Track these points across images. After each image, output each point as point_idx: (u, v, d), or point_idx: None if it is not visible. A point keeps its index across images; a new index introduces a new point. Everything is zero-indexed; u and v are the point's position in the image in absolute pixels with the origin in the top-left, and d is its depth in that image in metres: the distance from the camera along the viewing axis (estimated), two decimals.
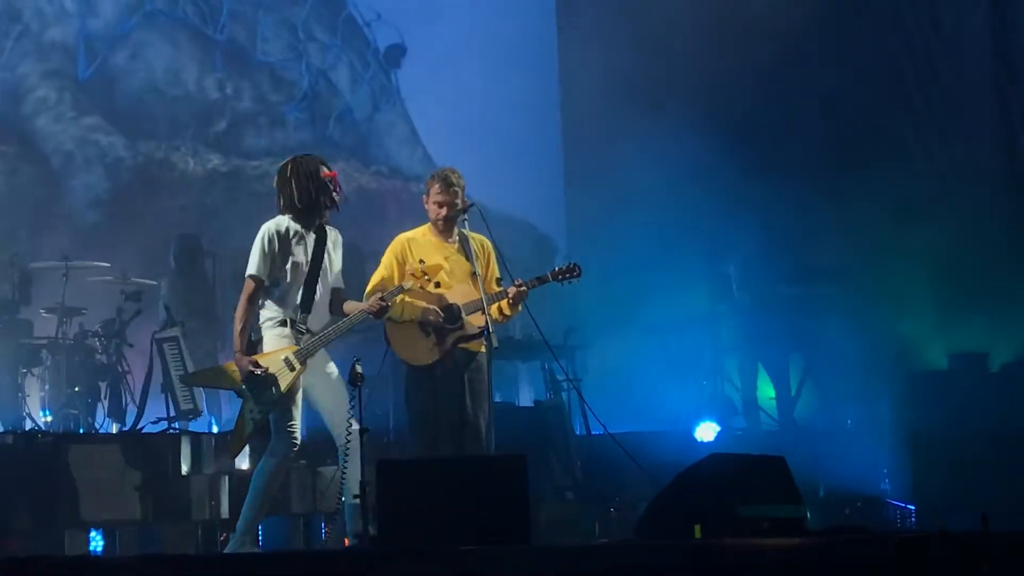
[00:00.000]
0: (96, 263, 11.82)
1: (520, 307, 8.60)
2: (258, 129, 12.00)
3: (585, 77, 15.91)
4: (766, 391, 13.34)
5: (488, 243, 8.74)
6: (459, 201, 8.52)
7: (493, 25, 14.67)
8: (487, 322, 8.22)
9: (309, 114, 12.31)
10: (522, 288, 8.47)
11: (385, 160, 12.30)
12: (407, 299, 8.40)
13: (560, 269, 8.69)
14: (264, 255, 7.88)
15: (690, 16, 14.28)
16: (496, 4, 14.66)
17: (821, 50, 14.28)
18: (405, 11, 13.00)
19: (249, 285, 7.89)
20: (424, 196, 8.66)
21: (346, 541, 8.48)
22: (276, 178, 8.03)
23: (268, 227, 7.97)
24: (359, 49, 12.57)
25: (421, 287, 8.29)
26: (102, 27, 11.74)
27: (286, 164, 8.03)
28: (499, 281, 8.68)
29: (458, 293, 8.49)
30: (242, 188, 11.61)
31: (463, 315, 8.41)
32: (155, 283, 12.11)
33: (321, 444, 8.80)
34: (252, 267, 7.90)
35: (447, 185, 8.52)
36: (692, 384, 13.23)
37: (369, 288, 8.54)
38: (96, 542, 9.49)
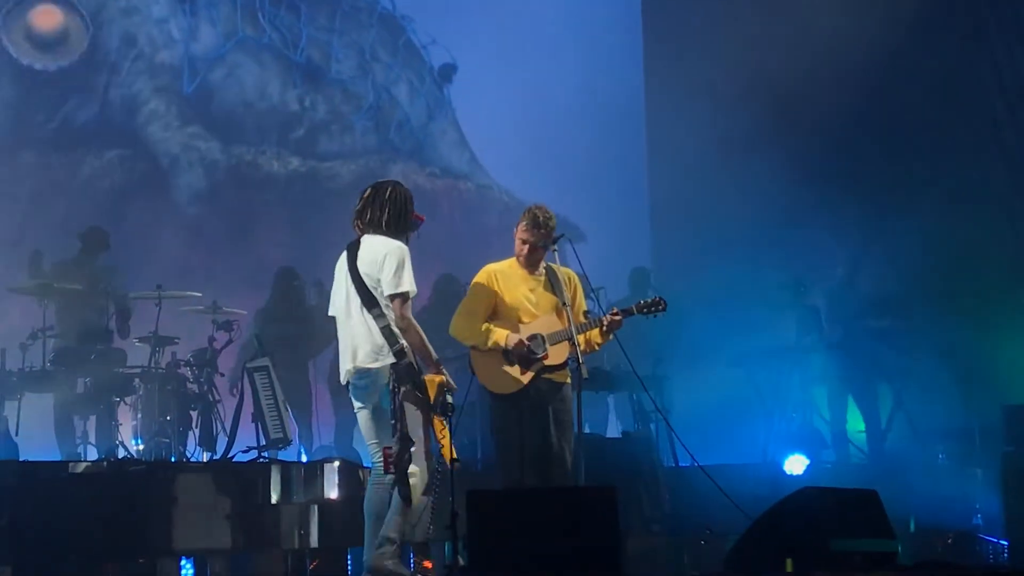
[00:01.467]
0: (188, 292, 11.97)
1: (611, 336, 8.61)
2: (331, 135, 13.99)
3: (671, 110, 15.93)
4: (856, 424, 13.21)
5: (575, 275, 8.75)
6: (545, 242, 8.53)
7: (576, 41, 15.26)
8: (577, 352, 8.22)
9: (374, 123, 14.18)
10: (616, 317, 8.48)
11: (438, 162, 14.10)
12: (493, 327, 8.43)
13: (645, 302, 8.68)
14: (410, 272, 7.75)
15: (777, 46, 14.24)
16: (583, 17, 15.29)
17: (907, 77, 14.16)
18: (458, 34, 14.64)
19: (402, 301, 7.69)
20: (515, 229, 8.67)
21: (428, 564, 8.48)
22: (371, 192, 7.89)
23: (401, 246, 7.78)
24: (416, 68, 14.50)
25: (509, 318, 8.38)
26: (202, 50, 13.78)
27: (385, 186, 7.93)
28: (586, 314, 8.69)
29: (543, 324, 8.50)
30: (318, 186, 13.46)
31: (547, 345, 8.43)
32: (245, 312, 12.24)
33: None
34: (408, 283, 7.71)
35: (535, 226, 8.53)
36: (780, 416, 13.11)
37: (457, 314, 8.60)
38: (187, 570, 9.57)
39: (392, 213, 7.83)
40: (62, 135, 13.03)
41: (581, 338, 8.38)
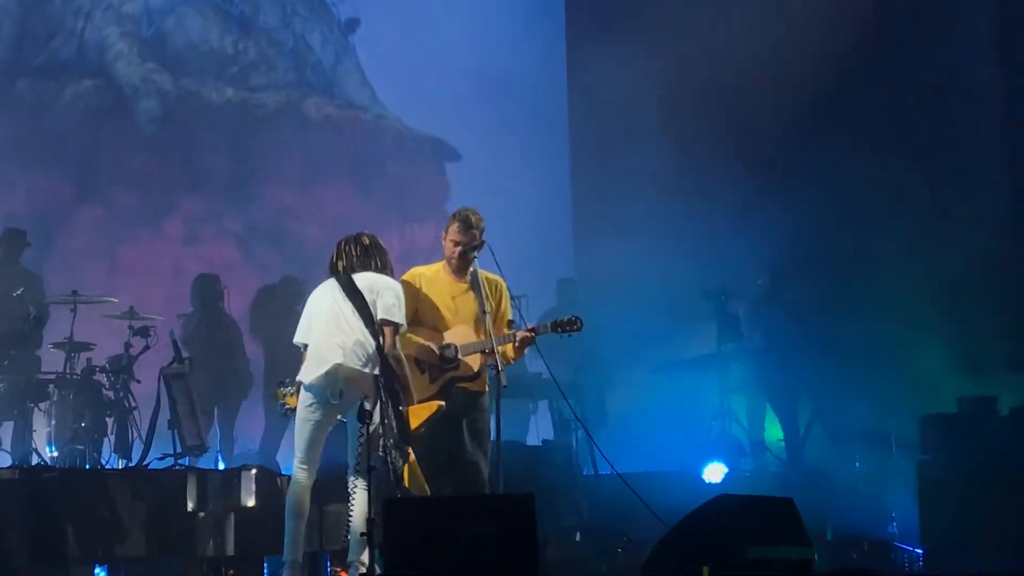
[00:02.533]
0: (105, 298, 11.85)
1: (524, 351, 8.59)
2: (259, 73, 16.86)
3: (594, 116, 16.01)
4: (774, 432, 13.30)
5: (502, 283, 8.71)
6: (476, 243, 8.53)
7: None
8: (496, 361, 8.20)
9: (294, 63, 17.11)
10: (529, 334, 8.46)
11: (344, 97, 17.04)
12: (407, 335, 8.40)
13: (560, 322, 8.62)
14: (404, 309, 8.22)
15: (703, 61, 14.30)
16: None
17: (831, 96, 14.23)
18: None
19: (395, 331, 8.16)
20: (443, 233, 8.67)
21: (343, 573, 8.46)
22: (371, 241, 8.36)
23: (398, 284, 8.32)
24: (327, 20, 17.45)
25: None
26: (158, 3, 16.71)
27: (363, 237, 8.39)
28: (511, 323, 8.66)
29: (459, 334, 8.48)
30: (247, 112, 16.48)
31: (459, 356, 8.41)
32: (163, 319, 12.12)
33: (327, 483, 8.78)
34: (403, 317, 8.18)
35: (466, 227, 8.52)
36: (700, 425, 13.17)
37: None
38: None
39: (384, 260, 8.34)
40: (49, 67, 16.08)
41: (501, 347, 8.37)
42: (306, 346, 8.26)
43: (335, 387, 7.99)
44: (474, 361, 8.42)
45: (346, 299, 8.12)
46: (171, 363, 11.35)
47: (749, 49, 13.94)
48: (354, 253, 8.27)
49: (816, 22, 13.53)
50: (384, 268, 8.29)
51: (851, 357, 12.74)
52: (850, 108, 14.13)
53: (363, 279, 8.18)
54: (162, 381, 11.22)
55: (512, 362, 8.60)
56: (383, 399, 7.76)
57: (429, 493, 7.88)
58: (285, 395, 8.37)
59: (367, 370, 7.97)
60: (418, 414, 7.91)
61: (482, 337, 8.41)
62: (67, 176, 15.45)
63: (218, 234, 15.76)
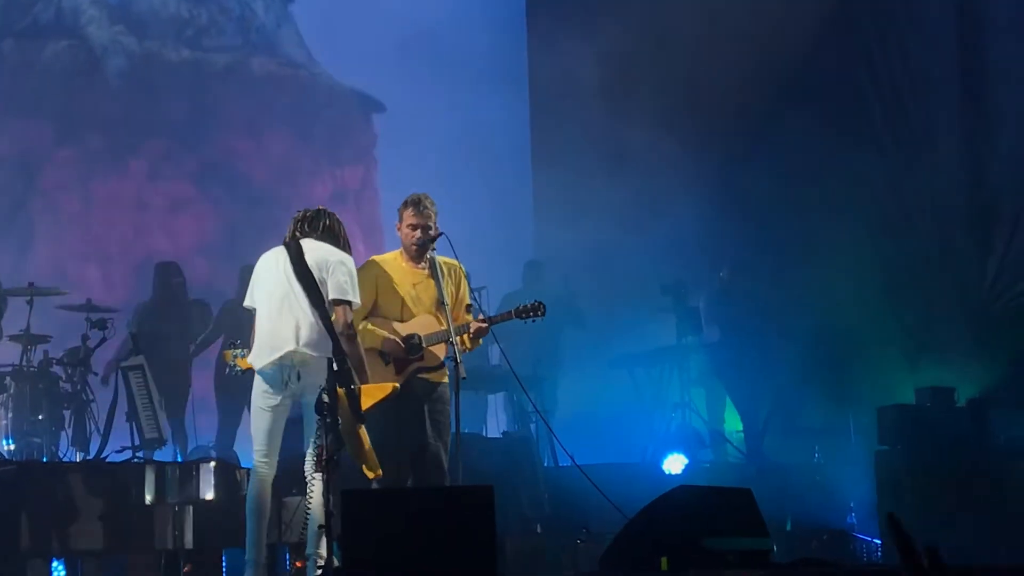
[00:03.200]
0: (61, 290, 11.77)
1: (481, 341, 8.57)
2: (210, 36, 18.81)
3: (556, 107, 16.00)
4: (733, 424, 13.33)
5: (459, 267, 8.67)
6: (432, 225, 8.48)
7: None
8: (455, 352, 8.17)
9: (240, 27, 19.12)
10: (483, 324, 8.44)
11: (285, 56, 19.11)
12: (370, 327, 8.36)
13: (524, 307, 8.60)
14: (357, 285, 8.04)
15: (665, 46, 14.30)
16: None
17: (789, 85, 14.25)
18: None
19: (348, 310, 7.93)
20: (397, 224, 8.62)
21: (300, 564, 8.42)
22: (324, 209, 8.20)
23: (351, 258, 8.07)
24: None
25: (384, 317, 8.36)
26: None
27: (328, 211, 8.21)
28: (469, 308, 8.64)
29: (421, 323, 8.44)
30: (200, 69, 18.54)
31: (423, 346, 8.38)
32: (119, 310, 12.05)
33: (285, 475, 8.74)
34: (356, 295, 7.97)
35: (419, 209, 8.48)
36: (660, 416, 13.18)
37: None
38: (59, 572, 9.41)
39: (332, 224, 8.11)
40: (31, 30, 18.14)
41: (458, 337, 8.34)
42: (255, 310, 8.08)
43: (291, 372, 7.89)
44: (438, 351, 8.39)
45: (296, 278, 7.88)
46: (128, 355, 11.30)
47: (710, 33, 13.93)
48: (303, 216, 8.10)
49: (776, 7, 13.53)
50: (330, 231, 8.07)
51: (809, 348, 12.77)
52: (808, 96, 14.14)
53: (313, 253, 7.93)
54: (120, 374, 11.16)
55: (469, 351, 8.54)
56: (334, 384, 7.61)
57: (381, 472, 7.77)
58: (236, 356, 8.25)
59: (316, 353, 7.79)
60: (371, 394, 7.75)
61: (443, 325, 8.38)
62: (47, 122, 17.49)
63: (176, 172, 17.65)
